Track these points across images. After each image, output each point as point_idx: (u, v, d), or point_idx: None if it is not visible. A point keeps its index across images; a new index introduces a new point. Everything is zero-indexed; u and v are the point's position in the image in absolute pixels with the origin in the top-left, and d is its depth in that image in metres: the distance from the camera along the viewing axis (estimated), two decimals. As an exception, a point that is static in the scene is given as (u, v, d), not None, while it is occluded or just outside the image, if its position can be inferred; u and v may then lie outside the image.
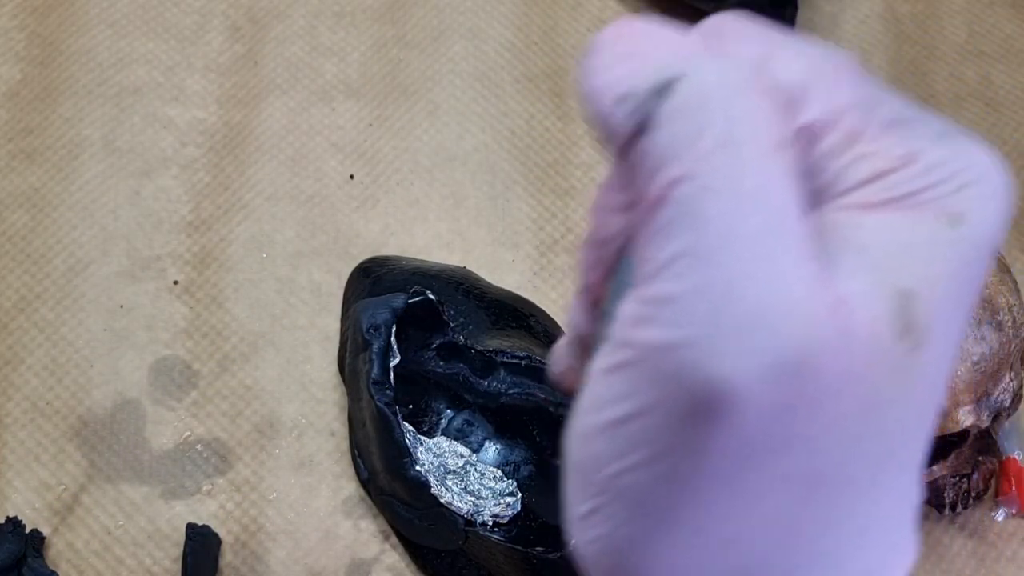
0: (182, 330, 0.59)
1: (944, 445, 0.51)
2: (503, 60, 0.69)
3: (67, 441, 0.55)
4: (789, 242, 0.20)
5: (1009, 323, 0.50)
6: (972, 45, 0.71)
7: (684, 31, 0.22)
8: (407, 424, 0.52)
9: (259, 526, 0.54)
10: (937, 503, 0.53)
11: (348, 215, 0.63)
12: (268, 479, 0.55)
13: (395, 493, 0.51)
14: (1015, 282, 0.51)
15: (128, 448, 0.55)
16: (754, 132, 0.20)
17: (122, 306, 0.59)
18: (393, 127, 0.66)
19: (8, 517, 0.52)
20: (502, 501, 0.51)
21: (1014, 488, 0.54)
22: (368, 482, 0.54)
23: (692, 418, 0.21)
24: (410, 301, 0.53)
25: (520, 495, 0.51)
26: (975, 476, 0.52)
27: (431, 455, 0.52)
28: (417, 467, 0.50)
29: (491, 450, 0.54)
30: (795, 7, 0.70)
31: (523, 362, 0.53)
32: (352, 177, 0.64)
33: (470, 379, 0.54)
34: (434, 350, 0.55)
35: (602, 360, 0.22)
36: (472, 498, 0.51)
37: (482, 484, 0.52)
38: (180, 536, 0.53)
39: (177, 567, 0.52)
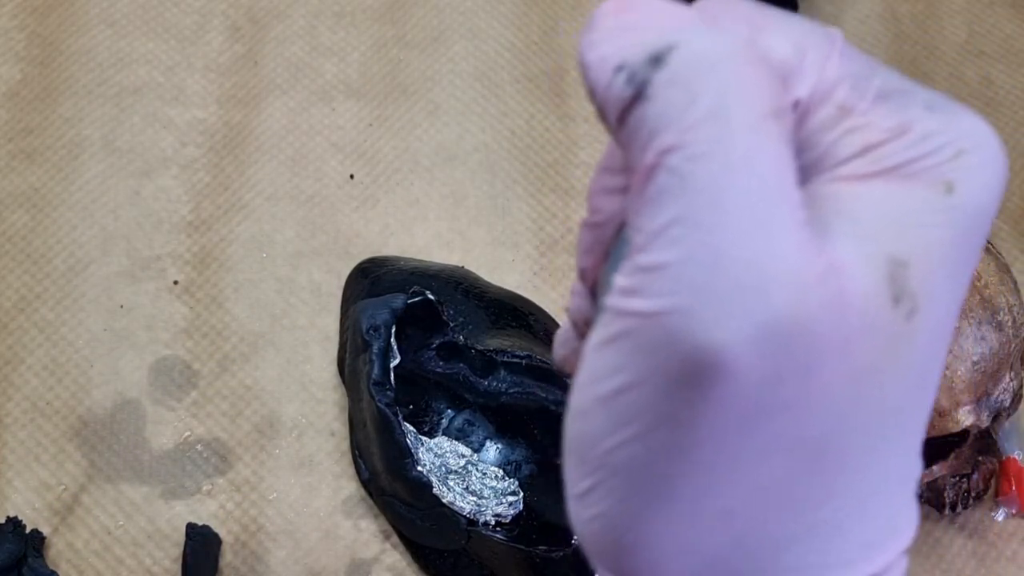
0: (182, 330, 0.59)
1: (944, 445, 0.51)
2: (503, 60, 0.69)
3: (67, 441, 0.55)
4: (781, 209, 0.20)
5: (1009, 323, 0.50)
6: (972, 45, 0.71)
7: (681, 5, 0.22)
8: (408, 424, 0.52)
9: (259, 526, 0.54)
10: (937, 503, 0.53)
11: (348, 215, 0.63)
12: (268, 479, 0.55)
13: (396, 493, 0.51)
14: (1015, 282, 0.51)
15: (128, 448, 0.55)
16: (746, 100, 0.20)
17: (122, 306, 0.59)
18: (393, 127, 0.66)
19: (8, 517, 0.52)
20: (504, 500, 0.51)
21: (1014, 488, 0.54)
22: (369, 482, 0.53)
23: (685, 386, 0.21)
24: (409, 301, 0.53)
25: (522, 494, 0.51)
26: (975, 476, 0.52)
27: (432, 455, 0.52)
28: (418, 467, 0.50)
29: (492, 450, 0.54)
30: (795, 6, 0.70)
31: (523, 361, 0.53)
32: (352, 177, 0.64)
33: (470, 379, 0.54)
34: (434, 350, 0.55)
35: (596, 334, 0.22)
36: (474, 498, 0.51)
37: (484, 484, 0.52)
38: (180, 536, 0.53)
39: (177, 567, 0.52)
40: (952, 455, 0.51)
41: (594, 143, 0.66)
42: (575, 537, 0.48)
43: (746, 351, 0.20)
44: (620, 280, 0.21)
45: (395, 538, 0.53)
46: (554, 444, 0.53)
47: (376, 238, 0.62)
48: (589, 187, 0.25)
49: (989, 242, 0.52)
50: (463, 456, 0.53)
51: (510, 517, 0.51)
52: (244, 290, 0.60)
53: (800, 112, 0.22)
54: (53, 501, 0.54)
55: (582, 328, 0.28)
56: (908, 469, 0.24)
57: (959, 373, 0.48)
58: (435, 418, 0.55)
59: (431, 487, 0.49)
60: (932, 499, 0.53)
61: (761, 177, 0.20)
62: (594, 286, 0.26)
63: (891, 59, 0.70)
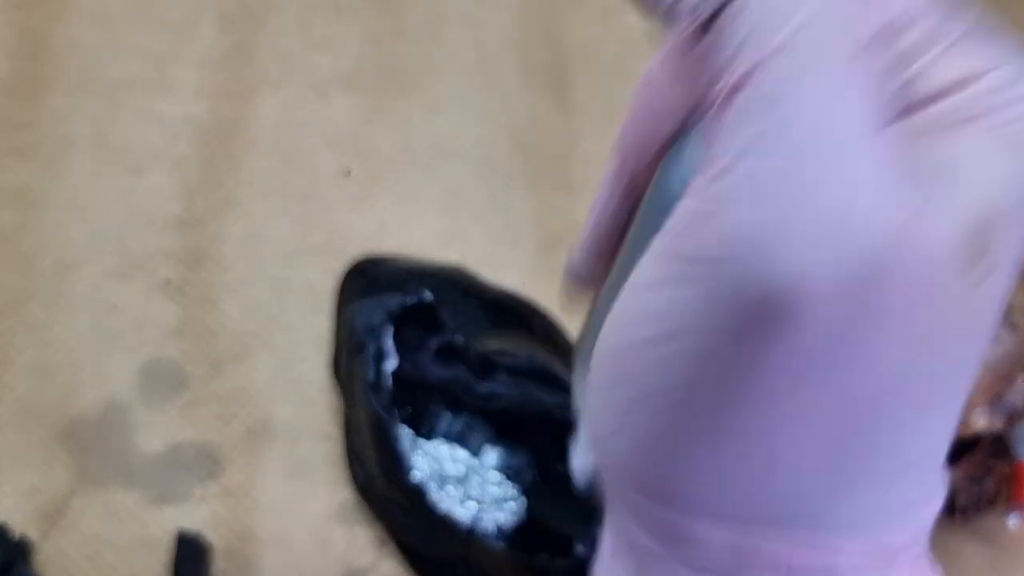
0: (174, 330, 0.58)
1: (956, 449, 0.50)
2: (503, 52, 0.68)
3: (56, 444, 0.55)
4: (873, 145, 0.19)
5: (1023, 324, 0.49)
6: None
7: None
8: (405, 428, 0.51)
9: (251, 533, 0.53)
10: (949, 508, 0.52)
11: (344, 212, 0.62)
12: (261, 484, 0.54)
13: (393, 499, 0.51)
14: (1030, 281, 0.50)
15: (118, 452, 0.55)
16: (842, 22, 0.20)
17: (115, 306, 0.59)
18: (390, 121, 0.65)
19: (-5, 523, 0.51)
20: (504, 507, 0.50)
21: (1028, 492, 0.53)
22: (364, 488, 0.53)
23: (751, 326, 0.20)
24: (407, 302, 0.52)
25: (523, 500, 0.51)
26: (987, 481, 0.52)
27: (430, 460, 0.52)
28: (415, 473, 0.49)
29: (492, 454, 0.53)
30: None
31: (524, 363, 0.52)
32: (349, 173, 0.64)
33: (469, 381, 0.54)
34: (432, 352, 0.54)
35: (644, 273, 0.22)
36: (473, 504, 0.50)
37: (483, 490, 0.51)
38: (171, 542, 0.52)
39: (168, 574, 0.51)
40: (965, 459, 0.50)
41: (597, 137, 0.65)
42: (578, 544, 0.47)
43: (824, 287, 0.19)
44: (688, 202, 0.20)
45: (391, 546, 0.53)
46: (556, 449, 0.52)
47: (372, 236, 0.61)
48: (644, 77, 0.25)
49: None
50: (462, 461, 0.52)
51: (510, 524, 0.50)
52: (237, 289, 0.60)
53: (892, 33, 0.21)
54: (43, 505, 0.53)
55: (606, 242, 0.27)
56: (948, 435, 0.24)
57: (972, 375, 0.47)
58: (433, 422, 0.54)
59: (428, 493, 0.49)
60: (944, 504, 0.52)
61: (855, 109, 0.20)
62: (634, 188, 0.25)
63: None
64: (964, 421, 0.48)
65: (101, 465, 0.54)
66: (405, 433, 0.51)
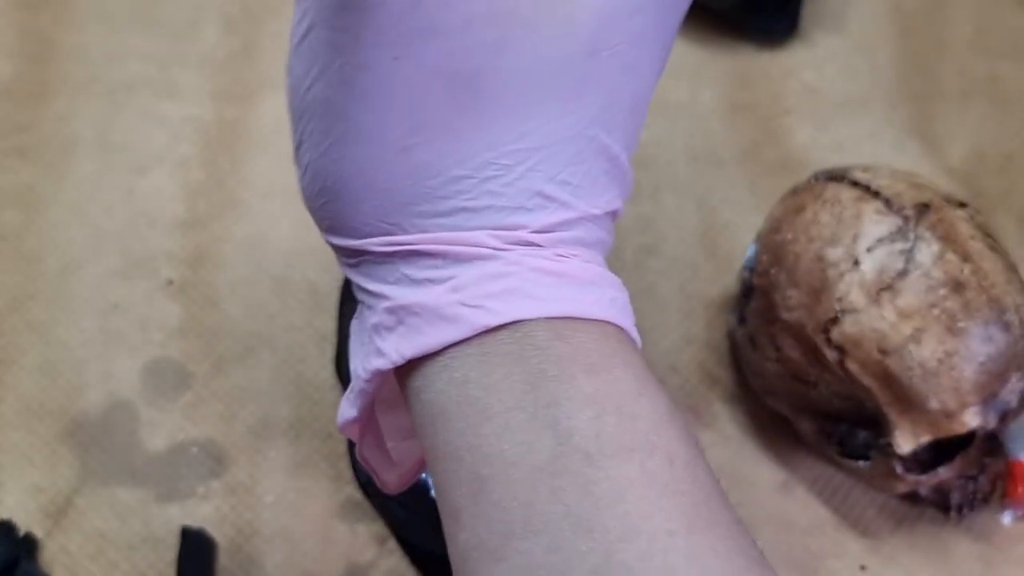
0: (176, 330, 0.58)
1: (950, 447, 0.50)
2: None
3: (60, 443, 0.55)
4: None
5: (1016, 323, 0.49)
6: (979, 41, 0.70)
7: None
8: (405, 426, 0.51)
9: (255, 530, 0.53)
10: (943, 505, 0.53)
11: (345, 213, 0.62)
12: (264, 482, 0.54)
13: (394, 496, 0.51)
14: (1022, 282, 0.51)
15: (122, 450, 0.55)
16: None
17: (117, 306, 0.59)
18: (391, 123, 0.65)
19: (0, 520, 0.51)
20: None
21: (1021, 491, 0.53)
22: (367, 485, 0.53)
23: (345, 12, 0.26)
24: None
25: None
26: (981, 478, 0.52)
27: (429, 458, 0.51)
28: (415, 470, 0.49)
29: (490, 452, 0.53)
30: (799, 4, 0.69)
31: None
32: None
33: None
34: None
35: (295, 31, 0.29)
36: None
37: (481, 487, 0.51)
38: (175, 539, 0.52)
39: (172, 571, 0.51)
40: (958, 457, 0.50)
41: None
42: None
43: None
44: None
45: (393, 542, 0.53)
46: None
47: (373, 236, 0.61)
48: None
49: (995, 241, 0.51)
50: (462, 459, 0.52)
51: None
52: (239, 289, 0.60)
53: None
54: (46, 504, 0.53)
55: None
56: (592, 138, 0.27)
57: (966, 374, 0.48)
58: (433, 420, 0.54)
59: (431, 489, 0.49)
60: (938, 501, 0.52)
61: None
62: None
63: (897, 54, 0.70)
64: (957, 419, 0.48)
65: (104, 464, 0.54)
66: (406, 431, 0.51)
